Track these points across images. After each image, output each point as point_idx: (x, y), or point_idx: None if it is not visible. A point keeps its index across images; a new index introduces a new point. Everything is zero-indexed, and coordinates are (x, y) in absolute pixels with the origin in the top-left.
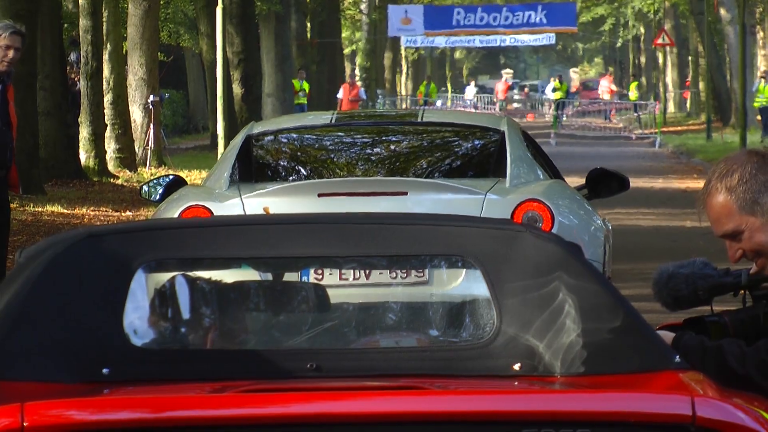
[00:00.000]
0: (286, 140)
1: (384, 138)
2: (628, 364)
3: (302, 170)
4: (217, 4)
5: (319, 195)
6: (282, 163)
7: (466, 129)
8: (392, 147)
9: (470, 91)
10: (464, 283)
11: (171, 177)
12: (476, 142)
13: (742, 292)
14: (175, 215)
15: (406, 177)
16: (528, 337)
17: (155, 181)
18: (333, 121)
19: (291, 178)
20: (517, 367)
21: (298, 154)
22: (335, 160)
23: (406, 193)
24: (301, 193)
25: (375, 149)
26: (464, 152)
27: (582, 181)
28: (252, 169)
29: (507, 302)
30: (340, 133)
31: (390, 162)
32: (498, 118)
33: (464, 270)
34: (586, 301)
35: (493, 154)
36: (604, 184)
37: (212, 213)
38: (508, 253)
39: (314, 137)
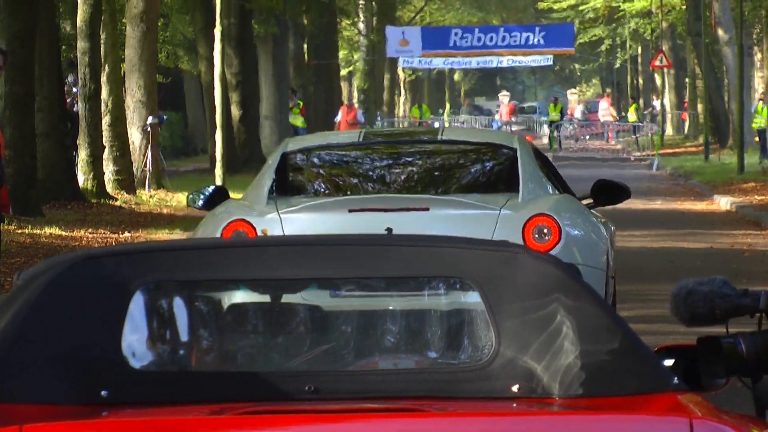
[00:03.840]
0: (317, 157)
1: (407, 155)
2: (627, 385)
3: (333, 186)
4: (215, 27)
5: (350, 210)
6: (314, 179)
7: (482, 146)
8: (414, 164)
9: (464, 111)
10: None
11: (214, 187)
12: (491, 159)
13: (759, 315)
14: (219, 230)
15: (428, 193)
16: (526, 359)
17: (199, 190)
18: (360, 139)
19: (323, 193)
20: (515, 388)
21: (329, 170)
22: (363, 176)
23: (428, 209)
24: (334, 209)
25: (399, 166)
26: (480, 169)
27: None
28: (287, 185)
29: (505, 324)
30: (367, 151)
31: (413, 178)
32: (511, 136)
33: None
34: (585, 323)
35: (506, 170)
36: (607, 194)
37: (254, 227)
38: (506, 274)
39: (343, 155)
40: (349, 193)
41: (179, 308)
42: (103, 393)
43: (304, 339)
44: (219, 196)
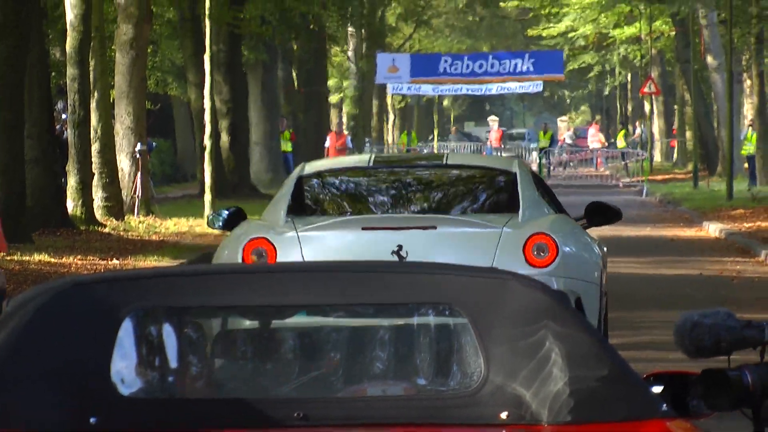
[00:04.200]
0: (331, 180)
1: (415, 178)
2: (616, 412)
3: (346, 206)
4: (204, 53)
5: (363, 228)
6: (329, 199)
7: (484, 170)
8: (422, 186)
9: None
10: None
11: (233, 209)
12: (493, 182)
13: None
14: (240, 248)
15: (435, 213)
16: (515, 386)
17: (218, 211)
18: (371, 163)
19: (337, 213)
20: (504, 415)
21: (342, 191)
22: (374, 197)
23: (435, 228)
24: (348, 228)
25: (408, 188)
26: (483, 191)
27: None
28: (303, 206)
29: (494, 350)
30: (377, 174)
31: (421, 199)
32: (510, 160)
33: None
34: (574, 350)
35: (507, 192)
36: (600, 215)
37: (273, 245)
38: (495, 301)
39: (355, 177)
40: (361, 212)
41: (168, 335)
42: (92, 420)
43: (293, 365)
44: (237, 217)
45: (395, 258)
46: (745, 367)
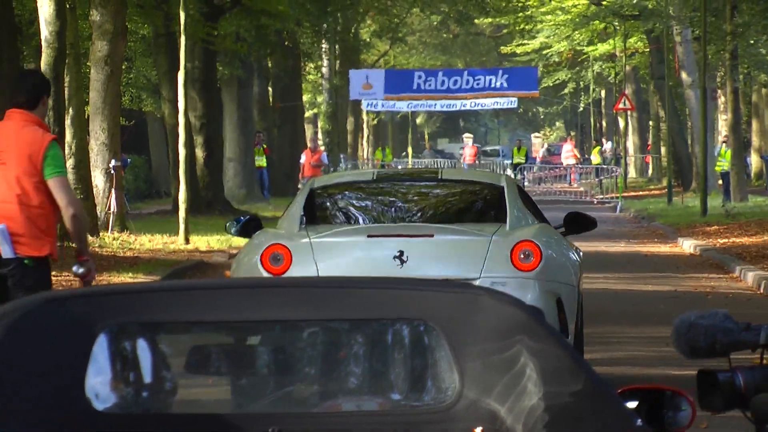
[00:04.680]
0: (338, 193)
1: (413, 191)
2: (590, 427)
3: (353, 216)
4: (179, 69)
5: (369, 236)
6: (337, 210)
7: (475, 184)
8: (420, 198)
9: (427, 155)
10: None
11: (248, 216)
12: (482, 194)
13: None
14: (259, 253)
15: (432, 222)
16: (489, 401)
17: (236, 219)
18: (374, 177)
19: (345, 222)
20: (478, 430)
21: (349, 203)
22: (378, 208)
23: (432, 235)
24: (355, 235)
25: (407, 199)
26: (474, 203)
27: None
28: (315, 216)
29: (468, 366)
30: (380, 187)
31: (419, 210)
32: (499, 175)
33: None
34: (548, 365)
35: (495, 204)
36: (577, 224)
37: (289, 250)
38: (469, 316)
39: (360, 190)
40: (366, 222)
41: (143, 350)
42: None
43: (268, 381)
44: (252, 224)
45: (398, 263)
46: (738, 368)
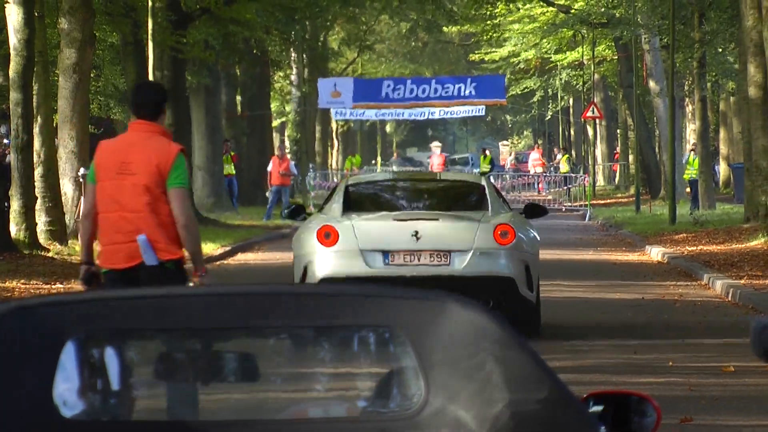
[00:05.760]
0: (368, 188)
1: (422, 187)
2: None
3: (380, 205)
4: (147, 78)
5: (393, 220)
6: (368, 201)
7: (465, 182)
8: (427, 192)
9: (395, 163)
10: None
11: (294, 205)
12: (470, 190)
13: None
14: (315, 231)
15: (436, 210)
16: (455, 408)
17: (285, 205)
18: (392, 177)
19: (375, 209)
20: None
21: (376, 196)
22: (398, 199)
23: (438, 219)
24: (384, 219)
25: (418, 193)
26: (465, 196)
27: None
28: (351, 205)
29: (434, 373)
30: (398, 184)
31: (427, 200)
32: (479, 177)
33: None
34: (513, 372)
35: (479, 197)
36: (533, 211)
37: (336, 230)
38: (435, 323)
39: (383, 186)
40: (390, 209)
41: (111, 357)
42: None
43: (235, 387)
44: (298, 209)
45: (414, 239)
46: None
